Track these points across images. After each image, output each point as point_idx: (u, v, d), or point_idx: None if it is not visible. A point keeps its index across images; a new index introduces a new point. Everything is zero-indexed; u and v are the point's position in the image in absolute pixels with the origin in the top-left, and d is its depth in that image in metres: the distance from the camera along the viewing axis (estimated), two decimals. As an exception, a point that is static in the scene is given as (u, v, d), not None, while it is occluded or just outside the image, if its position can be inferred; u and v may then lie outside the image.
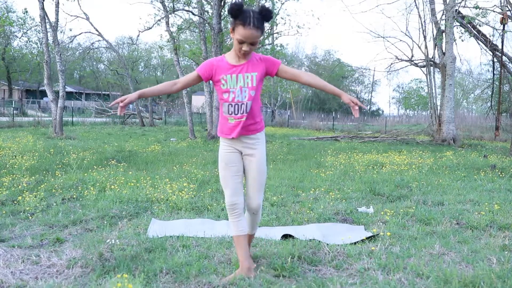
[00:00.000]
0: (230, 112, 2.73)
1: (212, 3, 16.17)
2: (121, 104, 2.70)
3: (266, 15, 2.60)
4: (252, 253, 3.16)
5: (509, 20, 13.01)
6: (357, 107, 2.69)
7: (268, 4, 18.18)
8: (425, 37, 17.72)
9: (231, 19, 2.61)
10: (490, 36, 15.73)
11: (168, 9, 16.73)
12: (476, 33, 15.64)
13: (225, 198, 2.83)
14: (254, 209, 2.87)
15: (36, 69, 37.18)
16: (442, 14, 16.09)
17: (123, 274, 2.59)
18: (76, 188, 5.59)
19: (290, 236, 3.68)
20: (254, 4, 16.19)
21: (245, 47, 2.62)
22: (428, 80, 17.75)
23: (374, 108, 58.83)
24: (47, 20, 15.11)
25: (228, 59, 2.74)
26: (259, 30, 2.59)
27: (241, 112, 2.71)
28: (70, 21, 65.03)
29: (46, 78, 15.03)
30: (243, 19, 2.55)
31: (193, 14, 16.43)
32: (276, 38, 20.42)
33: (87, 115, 31.41)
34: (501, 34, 13.68)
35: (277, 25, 18.57)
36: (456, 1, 15.05)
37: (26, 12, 22.19)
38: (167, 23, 16.57)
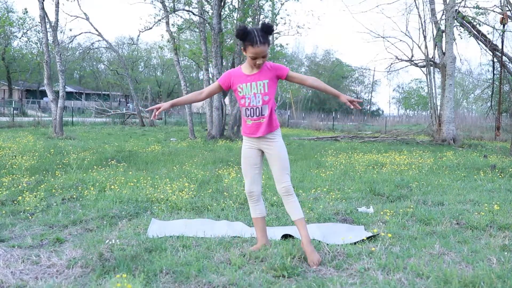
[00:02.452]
0: (247, 115, 3.16)
1: (212, 3, 16.18)
2: (156, 112, 3.19)
3: (267, 30, 2.99)
4: (252, 253, 3.16)
5: (509, 20, 13.01)
6: (355, 103, 3.17)
7: (268, 4, 18.19)
8: (425, 37, 17.73)
9: (240, 41, 3.03)
10: (488, 33, 15.72)
11: (168, 9, 16.73)
12: (476, 33, 15.64)
13: (245, 187, 3.32)
14: (282, 191, 3.18)
15: (36, 69, 37.17)
16: (442, 14, 16.09)
17: (123, 274, 2.60)
18: (76, 188, 5.59)
19: (290, 236, 3.68)
20: (254, 3, 16.19)
21: (258, 61, 3.05)
22: (428, 80, 17.75)
23: (374, 108, 58.82)
24: (47, 20, 15.12)
25: (243, 70, 3.18)
26: (266, 45, 3.00)
27: (257, 114, 3.13)
28: (70, 21, 65.22)
29: (46, 78, 15.04)
30: (250, 40, 2.97)
31: (193, 14, 16.44)
32: (276, 38, 20.44)
33: (87, 115, 31.43)
34: (501, 34, 13.68)
35: (277, 25, 18.56)
36: (456, 1, 15.05)
37: (26, 12, 22.13)
38: (167, 23, 16.58)
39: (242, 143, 3.30)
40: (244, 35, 2.95)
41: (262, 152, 3.25)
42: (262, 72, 3.11)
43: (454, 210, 4.67)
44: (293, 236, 3.66)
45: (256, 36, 2.95)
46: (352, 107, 3.17)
